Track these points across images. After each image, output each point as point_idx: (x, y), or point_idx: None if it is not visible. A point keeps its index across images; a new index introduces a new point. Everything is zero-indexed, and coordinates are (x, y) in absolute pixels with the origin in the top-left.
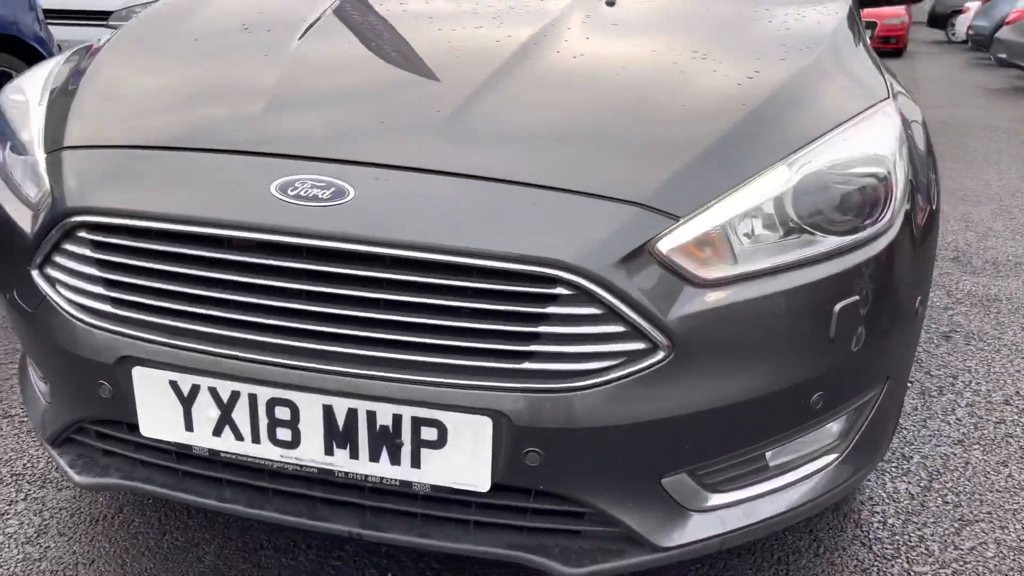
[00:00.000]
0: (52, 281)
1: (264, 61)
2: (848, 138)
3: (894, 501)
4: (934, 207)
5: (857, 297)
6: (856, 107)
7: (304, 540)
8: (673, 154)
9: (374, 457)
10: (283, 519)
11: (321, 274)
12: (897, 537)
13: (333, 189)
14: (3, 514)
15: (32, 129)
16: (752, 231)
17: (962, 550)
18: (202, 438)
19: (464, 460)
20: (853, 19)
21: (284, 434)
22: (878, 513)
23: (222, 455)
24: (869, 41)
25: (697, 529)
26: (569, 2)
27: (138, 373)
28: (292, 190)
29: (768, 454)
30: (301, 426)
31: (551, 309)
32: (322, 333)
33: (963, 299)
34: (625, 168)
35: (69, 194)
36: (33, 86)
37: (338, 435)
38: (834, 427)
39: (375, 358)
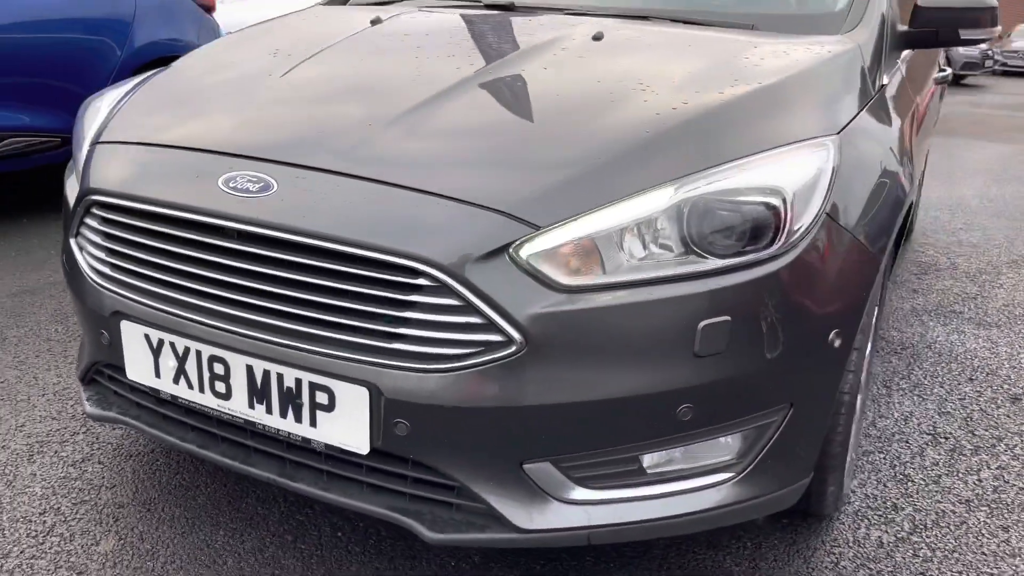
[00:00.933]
0: (80, 247)
1: (251, 87)
2: (747, 167)
3: (857, 546)
4: (873, 248)
5: (728, 317)
6: (781, 139)
7: (282, 496)
8: (553, 171)
9: (283, 414)
10: (223, 461)
11: (246, 253)
12: None
13: (262, 184)
14: (64, 441)
15: (90, 130)
16: (637, 245)
17: None
18: (166, 384)
19: (348, 424)
20: (852, 58)
21: (220, 387)
22: (833, 555)
23: (180, 400)
24: (885, 80)
25: (559, 518)
26: (555, 36)
27: (125, 326)
28: (232, 183)
29: (645, 459)
30: (231, 381)
31: (416, 298)
32: (245, 303)
33: None
34: (504, 181)
35: (88, 178)
36: (112, 97)
37: (257, 392)
38: (728, 443)
39: (282, 328)
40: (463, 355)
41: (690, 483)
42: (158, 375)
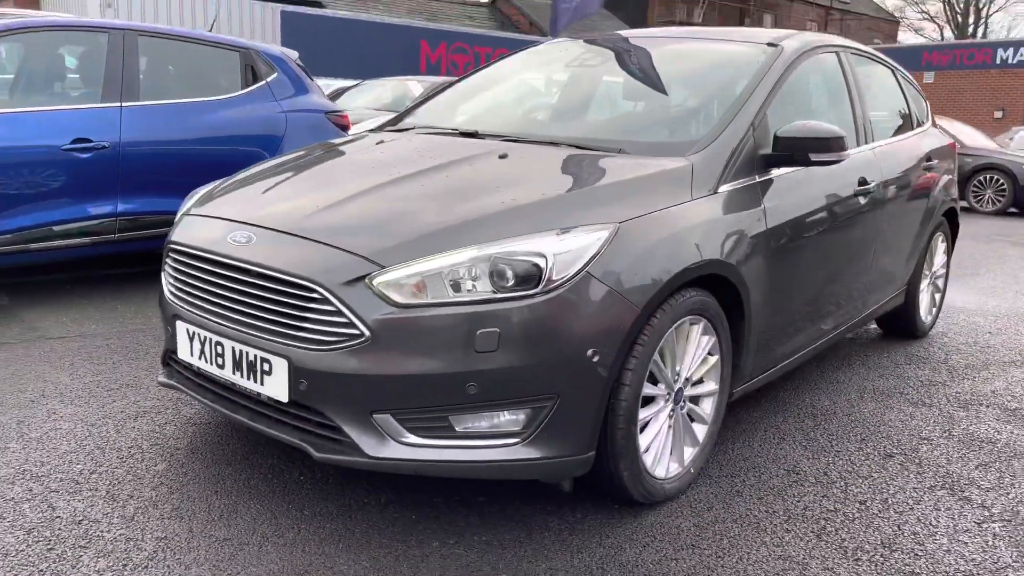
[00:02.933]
0: (164, 277)
1: (261, 185)
2: (528, 240)
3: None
4: (630, 299)
5: (498, 329)
6: (573, 223)
7: (285, 452)
8: (404, 235)
9: (247, 377)
10: (224, 411)
11: (234, 278)
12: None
13: (248, 237)
14: (158, 412)
15: (184, 207)
16: (451, 281)
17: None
18: (195, 360)
19: (277, 383)
20: (677, 173)
21: (219, 360)
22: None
23: (202, 371)
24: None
25: (396, 452)
26: (476, 153)
27: (178, 324)
28: (232, 238)
29: (451, 419)
30: (224, 356)
31: (312, 305)
32: (232, 307)
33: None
34: (373, 239)
35: (170, 234)
36: (206, 187)
37: (236, 363)
38: (516, 417)
39: (249, 322)
40: (336, 340)
41: (489, 441)
42: (191, 354)
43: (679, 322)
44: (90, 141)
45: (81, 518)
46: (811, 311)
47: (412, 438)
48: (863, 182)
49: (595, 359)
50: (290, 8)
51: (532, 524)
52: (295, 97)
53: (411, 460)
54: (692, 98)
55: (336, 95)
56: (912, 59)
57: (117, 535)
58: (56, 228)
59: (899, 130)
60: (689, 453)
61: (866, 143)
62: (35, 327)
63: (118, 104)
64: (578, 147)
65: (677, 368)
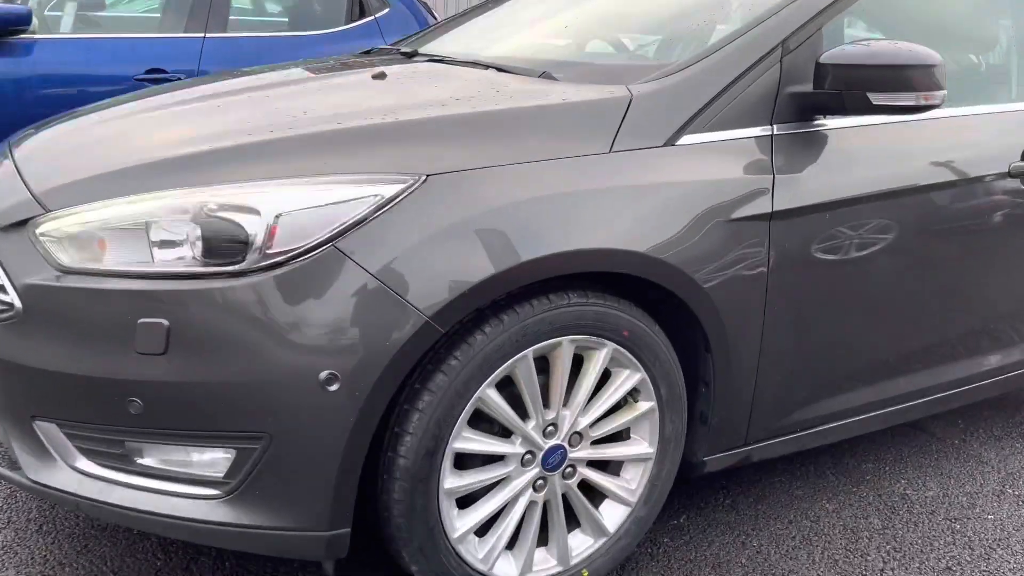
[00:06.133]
0: None
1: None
2: (241, 186)
3: None
4: (417, 304)
5: (165, 321)
6: (342, 170)
7: None
8: (97, 165)
9: None
10: None
11: None
12: None
13: None
14: None
15: None
16: (160, 240)
17: None
18: None
19: None
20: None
21: None
22: None
23: None
24: None
25: (59, 478)
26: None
27: None
28: None
29: (129, 446)
30: None
31: None
32: None
33: None
34: (60, 170)
35: None
36: None
37: None
38: (211, 457)
39: None
40: None
41: (179, 487)
42: None
43: (551, 342)
44: (164, 72)
45: None
46: (895, 349)
47: (85, 464)
48: None
49: (332, 386)
50: None
51: None
52: None
53: (70, 494)
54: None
55: None
56: None
57: None
58: None
59: None
60: (582, 546)
61: None
62: None
63: (201, 35)
64: (498, 68)
65: (551, 415)
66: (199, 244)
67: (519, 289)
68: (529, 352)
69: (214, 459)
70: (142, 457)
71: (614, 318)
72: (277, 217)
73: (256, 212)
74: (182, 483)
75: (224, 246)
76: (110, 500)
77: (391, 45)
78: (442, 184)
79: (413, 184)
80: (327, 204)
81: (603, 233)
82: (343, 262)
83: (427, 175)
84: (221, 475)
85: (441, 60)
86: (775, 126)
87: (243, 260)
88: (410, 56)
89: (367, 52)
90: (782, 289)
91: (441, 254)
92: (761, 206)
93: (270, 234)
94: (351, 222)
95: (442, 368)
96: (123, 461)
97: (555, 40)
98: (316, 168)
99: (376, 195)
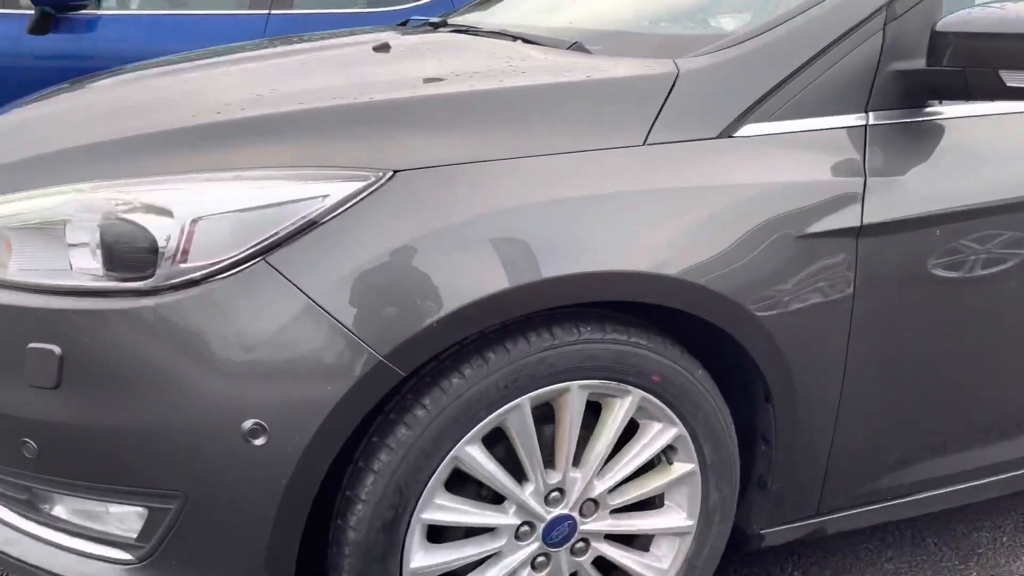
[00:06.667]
0: None
1: None
2: (157, 181)
3: None
4: (369, 342)
5: (57, 348)
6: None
7: None
8: (24, 148)
9: None
10: None
11: None
12: None
13: None
14: None
15: None
16: (73, 243)
17: None
18: None
19: None
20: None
21: None
22: None
23: None
24: None
25: None
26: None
27: None
28: None
29: (36, 492)
30: None
31: None
32: None
33: None
34: None
35: None
36: None
37: None
38: (121, 511)
39: None
40: None
41: (88, 546)
42: None
43: (554, 387)
44: None
45: None
46: None
47: None
48: None
49: (257, 440)
50: None
51: None
52: None
53: None
54: None
55: None
56: None
57: None
58: None
59: None
60: None
61: None
62: None
63: (266, 11)
64: (526, 40)
65: (555, 478)
66: (98, 252)
67: (513, 321)
68: (524, 400)
69: (125, 516)
70: (50, 506)
71: (639, 359)
72: (195, 221)
73: (168, 213)
74: (95, 542)
75: (129, 256)
76: (13, 554)
77: (442, 16)
78: (415, 182)
79: (375, 182)
80: (260, 206)
81: (623, 251)
82: (276, 281)
83: (395, 171)
84: (134, 535)
85: (466, 30)
86: (871, 114)
87: (152, 275)
88: (437, 27)
89: (403, 24)
90: (872, 323)
91: (406, 274)
92: (847, 218)
93: (186, 242)
94: (290, 230)
95: (405, 420)
96: (29, 509)
97: (624, 12)
98: (253, 159)
99: (324, 195)
